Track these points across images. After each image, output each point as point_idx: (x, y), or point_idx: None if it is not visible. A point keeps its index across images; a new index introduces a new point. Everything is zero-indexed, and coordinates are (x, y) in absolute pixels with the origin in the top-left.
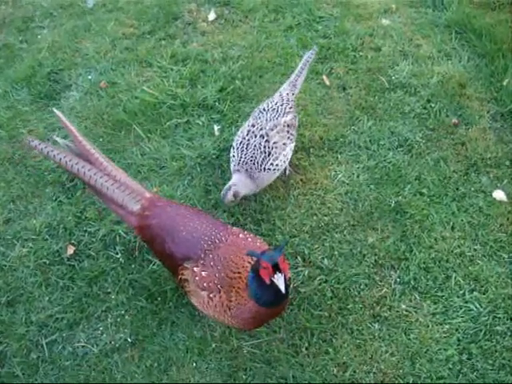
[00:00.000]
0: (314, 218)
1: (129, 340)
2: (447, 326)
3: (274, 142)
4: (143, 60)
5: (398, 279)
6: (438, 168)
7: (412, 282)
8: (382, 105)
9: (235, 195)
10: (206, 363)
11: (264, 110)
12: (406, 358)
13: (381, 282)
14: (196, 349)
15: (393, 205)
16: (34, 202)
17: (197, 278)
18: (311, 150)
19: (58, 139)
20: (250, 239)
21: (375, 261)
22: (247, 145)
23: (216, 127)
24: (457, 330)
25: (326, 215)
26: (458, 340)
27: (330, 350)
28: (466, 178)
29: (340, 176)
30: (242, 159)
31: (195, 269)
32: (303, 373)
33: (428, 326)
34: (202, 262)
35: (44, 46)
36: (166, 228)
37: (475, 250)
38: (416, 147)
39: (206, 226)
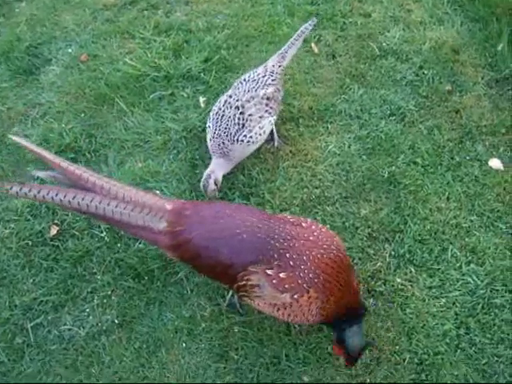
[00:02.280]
0: (305, 190)
1: (116, 321)
2: (444, 300)
3: (250, 115)
4: (125, 31)
5: (393, 252)
6: (431, 137)
7: (407, 255)
8: (372, 72)
9: (216, 183)
10: (195, 343)
11: (244, 80)
12: (402, 334)
13: (375, 255)
14: (185, 329)
15: (386, 175)
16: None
17: (274, 281)
18: (300, 120)
19: (39, 174)
20: (313, 227)
21: (369, 234)
22: (222, 116)
23: (201, 99)
24: (454, 303)
25: (317, 187)
26: (456, 314)
27: (324, 327)
28: (460, 146)
29: (331, 147)
30: (217, 131)
31: (269, 271)
32: (296, 351)
33: (424, 300)
34: (276, 262)
35: (22, 19)
36: (214, 236)
37: (471, 220)
38: (409, 115)
39: (267, 223)
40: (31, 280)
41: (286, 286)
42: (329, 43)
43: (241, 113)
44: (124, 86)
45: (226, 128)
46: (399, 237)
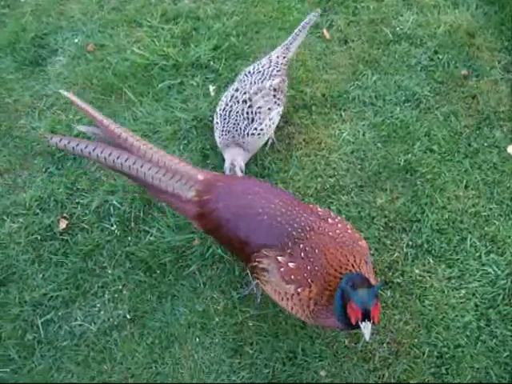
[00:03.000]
0: (319, 179)
1: (128, 316)
2: (464, 291)
3: (259, 107)
4: (132, 20)
5: (410, 242)
6: (448, 123)
7: (425, 245)
8: (386, 58)
9: (241, 170)
10: (209, 338)
11: (249, 72)
12: (421, 326)
13: (392, 245)
14: (199, 323)
15: (402, 163)
16: (23, 175)
17: (282, 270)
18: (313, 107)
19: (82, 128)
20: (339, 225)
21: (385, 223)
22: (230, 112)
23: (211, 87)
24: (474, 294)
25: (331, 177)
26: (476, 305)
27: None
28: (478, 132)
29: (345, 134)
30: (225, 128)
31: (280, 258)
32: (313, 345)
33: (443, 292)
34: (289, 251)
35: (27, 10)
36: (237, 211)
37: (491, 209)
38: (424, 102)
39: (292, 209)
40: (41, 275)
41: (293, 276)
42: (341, 28)
43: (249, 106)
44: (132, 76)
45: (234, 124)
46: (416, 226)
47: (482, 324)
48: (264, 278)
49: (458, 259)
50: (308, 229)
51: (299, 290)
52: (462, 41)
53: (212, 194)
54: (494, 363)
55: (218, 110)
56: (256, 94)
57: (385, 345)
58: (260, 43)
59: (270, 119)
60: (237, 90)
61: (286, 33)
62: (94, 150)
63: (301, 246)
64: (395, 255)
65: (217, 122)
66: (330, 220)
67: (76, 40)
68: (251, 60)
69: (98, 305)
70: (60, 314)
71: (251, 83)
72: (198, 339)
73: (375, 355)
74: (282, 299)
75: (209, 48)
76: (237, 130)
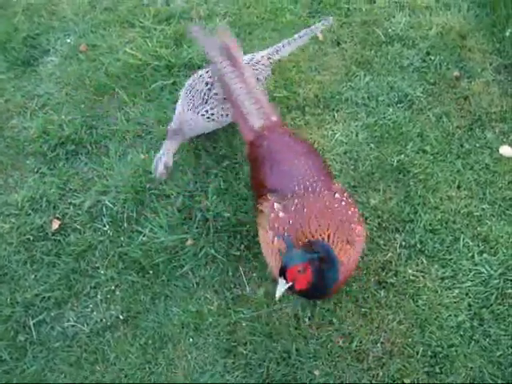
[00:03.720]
0: None
1: (121, 317)
2: (457, 291)
3: (215, 93)
4: (125, 20)
5: (404, 242)
6: (440, 124)
7: (418, 245)
8: (378, 59)
9: (166, 166)
10: (203, 338)
11: None
12: (414, 326)
13: (385, 246)
14: (192, 324)
15: (395, 164)
16: (15, 175)
17: (272, 215)
18: (306, 108)
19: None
20: (343, 203)
21: (378, 224)
22: (193, 88)
23: None
24: (467, 294)
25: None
26: (469, 305)
27: (334, 320)
28: (470, 133)
29: (338, 135)
30: (182, 100)
31: (276, 205)
32: (307, 345)
33: (437, 292)
34: (285, 202)
35: (19, 9)
36: (271, 154)
37: (483, 209)
38: (417, 103)
39: (309, 170)
40: (33, 276)
41: (276, 225)
42: (333, 30)
43: (208, 89)
44: (124, 76)
45: (191, 99)
46: (410, 227)
47: (476, 323)
48: (259, 220)
49: (451, 259)
50: (310, 190)
51: (275, 238)
52: (454, 42)
53: (269, 133)
54: (487, 362)
55: (185, 83)
56: None
57: (379, 344)
58: (252, 44)
59: (222, 108)
60: (207, 72)
61: (278, 34)
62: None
63: (295, 201)
64: (388, 255)
65: (179, 94)
66: (336, 194)
67: (68, 40)
68: None
69: (91, 305)
70: (52, 314)
71: None
72: (191, 339)
73: (369, 355)
74: (263, 244)
75: (202, 49)
76: (192, 106)
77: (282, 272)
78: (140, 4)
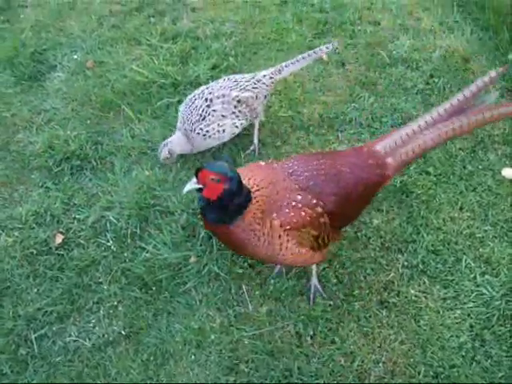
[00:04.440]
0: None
1: (123, 333)
2: (459, 312)
3: (214, 110)
4: (131, 38)
5: (406, 263)
6: (443, 146)
7: (420, 266)
8: (383, 81)
9: (170, 152)
10: (205, 356)
11: (228, 78)
12: (416, 346)
13: (388, 266)
14: (194, 341)
15: (398, 185)
16: (20, 189)
17: None
18: (311, 128)
19: None
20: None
21: (381, 244)
22: (193, 102)
23: None
24: (469, 315)
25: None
26: (471, 326)
27: (336, 339)
28: (473, 155)
29: None
30: (183, 114)
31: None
32: (309, 364)
33: (439, 312)
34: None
35: (27, 25)
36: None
37: (485, 230)
38: None
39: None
40: (35, 290)
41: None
42: (338, 51)
43: (207, 106)
44: (131, 93)
45: (189, 115)
46: (412, 247)
47: (477, 344)
48: None
49: (453, 280)
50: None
51: None
52: (457, 65)
53: None
54: (489, 383)
55: (187, 96)
56: (218, 98)
57: (380, 364)
58: (258, 64)
59: (219, 125)
60: (208, 87)
61: (283, 54)
62: None
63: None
64: (391, 275)
65: (180, 108)
66: (299, 196)
67: (75, 56)
68: None
69: (93, 320)
70: (54, 329)
71: (221, 87)
72: (193, 356)
73: (371, 374)
74: None
75: (207, 67)
76: (188, 122)
77: (197, 171)
78: (147, 22)
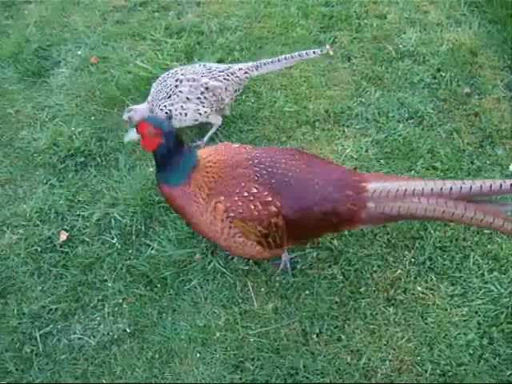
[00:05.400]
0: None
1: (128, 330)
2: (466, 309)
3: (180, 91)
4: (136, 33)
5: (413, 260)
6: (450, 140)
7: (428, 263)
8: (389, 75)
9: (129, 118)
10: (210, 353)
11: (204, 65)
12: (423, 344)
13: (394, 262)
14: (199, 338)
15: None
16: (24, 186)
17: None
18: (316, 123)
19: None
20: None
21: (388, 240)
22: (165, 80)
23: None
24: (476, 312)
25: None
26: (478, 323)
27: (343, 336)
28: (480, 150)
29: (348, 150)
30: (153, 89)
31: None
32: (314, 362)
33: (446, 309)
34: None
35: (31, 21)
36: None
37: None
38: (427, 119)
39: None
40: (40, 287)
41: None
42: (344, 45)
43: (175, 86)
44: (135, 89)
45: (159, 91)
46: (419, 243)
47: (485, 342)
48: None
49: (461, 277)
50: None
51: None
52: (465, 59)
53: None
54: (497, 382)
55: (162, 74)
56: (188, 81)
57: (387, 362)
58: (263, 58)
59: (182, 107)
60: (182, 69)
61: (289, 48)
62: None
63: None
64: (398, 272)
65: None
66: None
67: (79, 52)
68: None
69: (98, 318)
70: (59, 326)
71: (194, 71)
72: (198, 354)
73: (377, 372)
74: None
75: (212, 62)
76: (156, 98)
77: (138, 123)
78: (151, 17)
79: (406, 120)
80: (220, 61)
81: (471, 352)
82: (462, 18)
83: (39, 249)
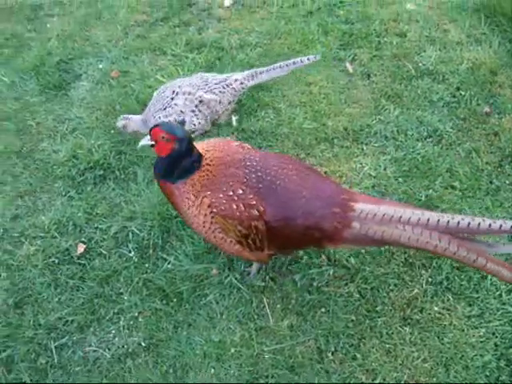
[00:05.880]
0: None
1: (143, 344)
2: (483, 330)
3: (175, 104)
4: (156, 48)
5: (430, 279)
6: (469, 160)
7: (445, 282)
8: (408, 93)
9: (123, 127)
10: (224, 369)
11: (201, 77)
12: (439, 365)
13: (411, 282)
14: (214, 354)
15: (423, 199)
16: (43, 198)
17: None
18: (335, 140)
19: None
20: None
21: (405, 259)
22: (163, 91)
23: (234, 118)
24: (494, 334)
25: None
26: (496, 345)
27: (358, 355)
28: (499, 170)
29: (366, 168)
30: (153, 100)
31: None
32: (329, 380)
33: (463, 330)
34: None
35: (53, 34)
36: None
37: None
38: (446, 138)
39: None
40: (56, 299)
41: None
42: (364, 63)
43: (171, 98)
44: None
45: (157, 101)
46: (436, 263)
47: (502, 364)
48: None
49: (478, 297)
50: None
51: None
52: (485, 78)
53: None
54: None
55: (164, 84)
56: (184, 94)
57: (402, 382)
58: (283, 75)
59: (175, 120)
60: (181, 80)
61: (308, 65)
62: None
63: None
64: (414, 291)
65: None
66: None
67: (100, 66)
68: (274, 91)
69: (113, 331)
70: (74, 338)
71: (190, 84)
72: (213, 370)
73: None
74: None
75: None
76: (154, 108)
77: (151, 129)
78: (172, 32)
79: (425, 138)
80: None
81: (488, 374)
82: (482, 37)
83: (56, 260)
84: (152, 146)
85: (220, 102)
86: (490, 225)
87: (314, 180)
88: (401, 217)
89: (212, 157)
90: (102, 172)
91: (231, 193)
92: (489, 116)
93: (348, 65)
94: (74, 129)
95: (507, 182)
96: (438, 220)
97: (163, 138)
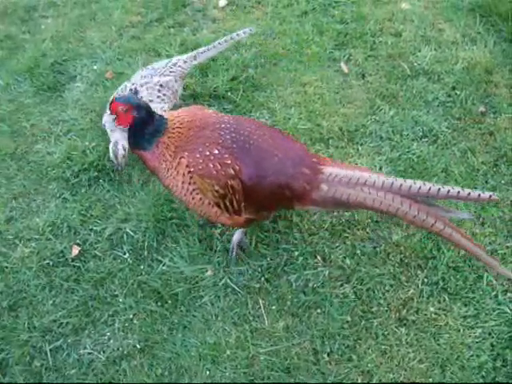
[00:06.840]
0: (335, 214)
1: (138, 346)
2: (479, 330)
3: (141, 97)
4: (151, 49)
5: (426, 279)
6: (465, 159)
7: (440, 283)
8: (404, 93)
9: (124, 148)
10: (220, 371)
11: (147, 68)
12: (435, 365)
13: (407, 282)
14: (209, 356)
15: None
16: (37, 200)
17: None
18: (330, 141)
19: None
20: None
21: (401, 260)
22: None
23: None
24: (490, 334)
25: (346, 211)
26: (492, 345)
27: (354, 356)
28: (495, 169)
29: None
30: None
31: None
32: (325, 381)
33: (459, 331)
34: None
35: (47, 36)
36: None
37: (507, 247)
38: (441, 137)
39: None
40: (51, 301)
41: None
42: (359, 63)
43: (135, 93)
44: None
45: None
46: (432, 263)
47: (498, 364)
48: None
49: (474, 298)
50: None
51: None
52: (480, 77)
53: None
54: None
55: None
56: (142, 86)
57: (399, 383)
58: (277, 75)
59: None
60: (129, 80)
61: (303, 65)
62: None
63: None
64: (410, 292)
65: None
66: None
67: (95, 67)
68: (269, 91)
69: (108, 333)
70: (69, 341)
71: (141, 76)
72: (208, 372)
73: None
74: None
75: (227, 79)
76: None
77: (110, 105)
78: (167, 33)
79: (420, 138)
80: (234, 78)
81: (484, 374)
82: (478, 37)
83: (51, 263)
84: (114, 120)
85: (176, 81)
86: (448, 191)
87: (285, 142)
88: (366, 180)
89: (182, 120)
90: (96, 174)
91: (208, 153)
92: (484, 116)
93: (343, 65)
94: (68, 130)
95: (503, 181)
96: (401, 185)
97: (122, 109)
